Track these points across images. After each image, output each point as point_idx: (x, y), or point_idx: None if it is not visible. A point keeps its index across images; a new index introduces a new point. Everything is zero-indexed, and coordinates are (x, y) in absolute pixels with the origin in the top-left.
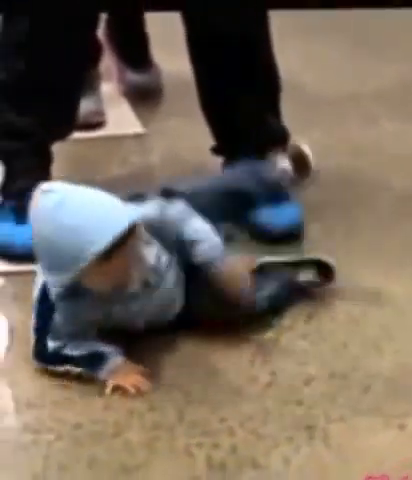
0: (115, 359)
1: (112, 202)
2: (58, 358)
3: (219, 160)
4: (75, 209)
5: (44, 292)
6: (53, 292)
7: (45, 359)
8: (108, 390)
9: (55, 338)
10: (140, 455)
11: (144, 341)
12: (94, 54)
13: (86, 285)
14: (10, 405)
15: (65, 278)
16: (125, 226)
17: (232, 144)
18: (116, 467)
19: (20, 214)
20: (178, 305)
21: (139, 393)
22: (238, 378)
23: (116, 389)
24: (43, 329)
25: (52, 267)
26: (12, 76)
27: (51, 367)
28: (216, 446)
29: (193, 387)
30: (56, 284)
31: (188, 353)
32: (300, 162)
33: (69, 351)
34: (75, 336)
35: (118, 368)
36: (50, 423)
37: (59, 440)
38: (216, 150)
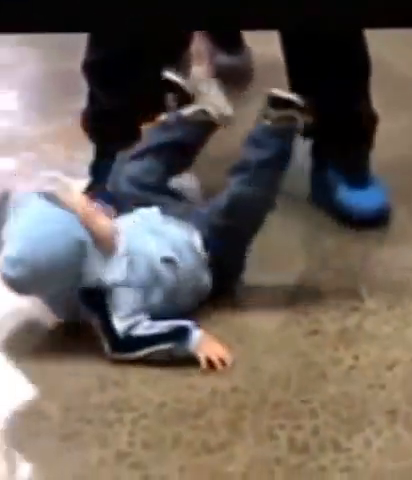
0: (197, 331)
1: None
2: (137, 343)
3: (307, 143)
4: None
5: (84, 294)
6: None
7: (125, 348)
8: (203, 362)
9: (120, 321)
10: (223, 435)
11: (220, 324)
12: (185, 37)
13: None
14: (95, 383)
15: None
16: None
17: (320, 127)
18: (199, 446)
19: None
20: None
21: (224, 367)
22: (322, 361)
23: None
24: (106, 324)
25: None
26: (103, 57)
27: (135, 354)
28: (298, 428)
29: (276, 369)
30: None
31: (272, 336)
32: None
33: (143, 331)
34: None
35: (202, 340)
36: (135, 402)
37: (143, 418)
38: (304, 133)
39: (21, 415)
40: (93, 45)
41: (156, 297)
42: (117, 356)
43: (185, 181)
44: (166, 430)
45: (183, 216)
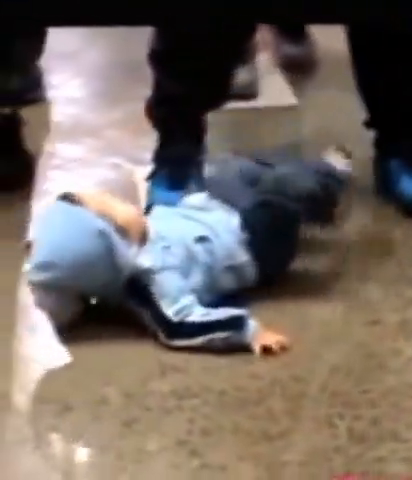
0: (252, 321)
1: None
2: (192, 329)
3: (371, 134)
4: None
5: (131, 285)
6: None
7: (180, 334)
8: (258, 350)
9: (169, 307)
10: (282, 423)
11: (277, 312)
12: (250, 26)
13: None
14: (156, 370)
15: None
16: None
17: (385, 117)
18: (258, 434)
19: (173, 180)
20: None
21: (283, 350)
22: (382, 351)
23: (263, 350)
24: (156, 312)
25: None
26: (168, 45)
27: (192, 341)
28: (358, 418)
29: (336, 359)
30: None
31: (331, 325)
32: None
33: (199, 318)
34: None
35: (258, 330)
36: (195, 389)
37: (204, 406)
38: (368, 124)
39: (83, 400)
40: (159, 34)
41: (195, 277)
42: (174, 343)
43: None
44: (225, 418)
45: (230, 199)
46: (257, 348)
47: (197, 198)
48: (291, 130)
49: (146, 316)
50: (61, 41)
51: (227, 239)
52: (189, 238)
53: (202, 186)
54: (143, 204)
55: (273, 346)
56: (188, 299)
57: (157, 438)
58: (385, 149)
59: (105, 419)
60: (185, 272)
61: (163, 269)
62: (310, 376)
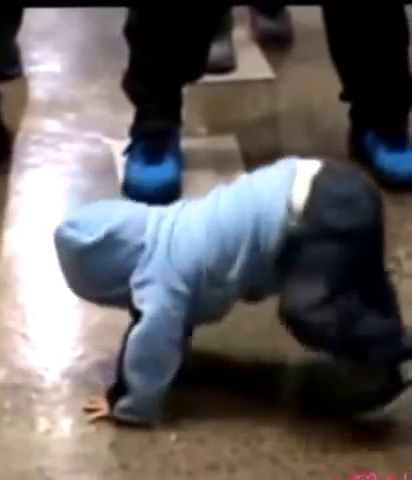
0: None
1: None
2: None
3: (347, 107)
4: None
5: None
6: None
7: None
8: None
9: None
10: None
11: None
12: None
13: None
14: None
15: None
16: None
17: (360, 88)
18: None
19: (150, 155)
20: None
21: None
22: None
23: None
24: None
25: None
26: (143, 18)
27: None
28: None
29: None
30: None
31: None
32: None
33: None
34: None
35: None
36: None
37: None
38: (344, 96)
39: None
40: (135, 8)
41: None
42: None
43: (226, 143)
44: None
45: None
46: None
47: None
48: (267, 103)
49: None
50: (39, 17)
51: None
52: None
53: (178, 159)
54: (121, 179)
55: None
56: None
57: None
58: (361, 121)
59: (81, 395)
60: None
61: None
62: None
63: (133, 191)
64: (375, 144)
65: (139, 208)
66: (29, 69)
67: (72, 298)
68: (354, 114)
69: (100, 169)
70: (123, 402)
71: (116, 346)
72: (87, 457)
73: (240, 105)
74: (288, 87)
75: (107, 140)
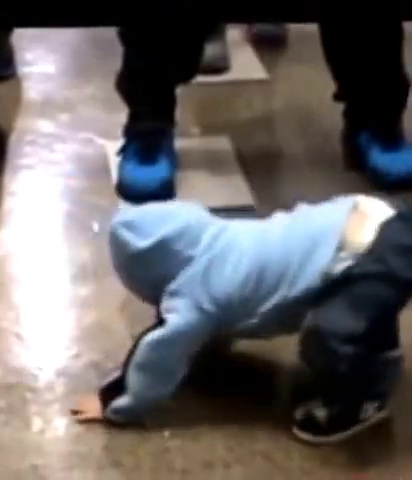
0: None
1: None
2: None
3: (341, 107)
4: None
5: None
6: None
7: None
8: None
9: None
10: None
11: None
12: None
13: None
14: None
15: None
16: None
17: (354, 88)
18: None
19: (144, 155)
20: None
21: None
22: None
23: None
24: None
25: None
26: (137, 19)
27: None
28: None
29: None
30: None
31: None
32: None
33: None
34: None
35: None
36: None
37: None
38: (338, 96)
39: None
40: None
41: None
42: None
43: (220, 144)
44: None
45: None
46: None
47: None
48: (261, 104)
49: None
50: None
51: None
52: None
53: (172, 159)
54: (114, 179)
55: None
56: None
57: None
58: (355, 121)
59: (75, 394)
60: None
61: None
62: None
63: (127, 191)
64: (369, 144)
65: (199, 216)
66: (23, 70)
67: (66, 298)
68: (348, 114)
69: (94, 169)
70: (119, 402)
71: (109, 346)
72: (81, 455)
73: (234, 105)
74: (282, 87)
75: (101, 140)
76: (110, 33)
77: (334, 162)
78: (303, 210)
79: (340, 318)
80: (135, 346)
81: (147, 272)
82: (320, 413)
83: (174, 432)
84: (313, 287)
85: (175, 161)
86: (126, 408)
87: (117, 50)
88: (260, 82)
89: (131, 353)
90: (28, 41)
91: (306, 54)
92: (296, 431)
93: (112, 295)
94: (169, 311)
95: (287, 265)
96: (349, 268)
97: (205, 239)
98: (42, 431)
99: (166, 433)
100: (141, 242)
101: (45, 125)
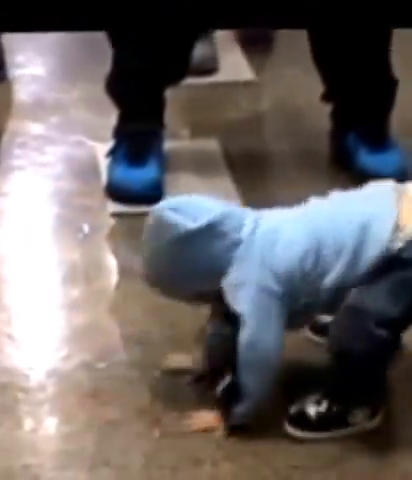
0: None
1: None
2: None
3: (328, 108)
4: None
5: None
6: None
7: None
8: None
9: None
10: None
11: None
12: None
13: None
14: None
15: None
16: None
17: (342, 89)
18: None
19: (133, 157)
20: None
21: None
22: None
23: None
24: None
25: None
26: (132, 20)
27: None
28: None
29: None
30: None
31: None
32: None
33: None
34: None
35: None
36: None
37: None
38: (326, 97)
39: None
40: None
41: None
42: None
43: (209, 145)
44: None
45: None
46: None
47: None
48: (250, 105)
49: None
50: None
51: None
52: None
53: (161, 161)
54: (104, 180)
55: None
56: None
57: (119, 408)
58: (343, 122)
59: (66, 394)
60: None
61: None
62: None
63: (116, 193)
64: (357, 145)
65: (235, 207)
66: (13, 72)
67: (57, 299)
68: (336, 115)
69: (84, 171)
70: (241, 408)
71: (100, 347)
72: (72, 454)
73: (223, 107)
74: (270, 89)
75: (91, 142)
76: (100, 35)
77: (322, 163)
78: (336, 194)
79: (378, 301)
80: (224, 352)
81: (198, 257)
82: (311, 410)
83: (164, 431)
84: (375, 263)
85: (164, 163)
86: (250, 411)
87: (107, 52)
88: (248, 83)
89: (234, 360)
90: (18, 43)
91: (294, 55)
92: (287, 426)
93: (103, 296)
94: (238, 302)
95: (343, 242)
96: (400, 250)
97: (248, 224)
98: (34, 430)
99: (156, 432)
100: (192, 223)
101: (36, 127)
